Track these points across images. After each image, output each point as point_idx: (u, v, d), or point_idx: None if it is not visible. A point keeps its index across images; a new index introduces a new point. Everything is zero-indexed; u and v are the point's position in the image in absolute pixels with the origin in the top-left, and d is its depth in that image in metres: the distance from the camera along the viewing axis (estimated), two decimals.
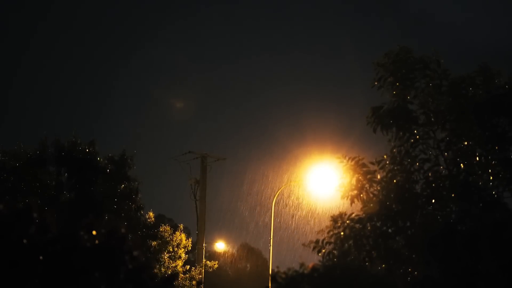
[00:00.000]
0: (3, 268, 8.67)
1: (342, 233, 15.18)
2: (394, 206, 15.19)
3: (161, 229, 33.86)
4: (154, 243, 33.02)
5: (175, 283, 31.71)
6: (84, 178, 29.17)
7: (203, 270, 35.99)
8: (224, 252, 64.01)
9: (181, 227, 35.40)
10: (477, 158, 15.67)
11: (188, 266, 35.12)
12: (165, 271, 32.90)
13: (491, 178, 15.48)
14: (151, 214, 33.02)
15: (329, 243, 15.25)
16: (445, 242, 14.26)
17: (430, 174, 15.54)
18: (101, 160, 30.03)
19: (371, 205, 15.35)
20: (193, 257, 43.46)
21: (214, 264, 36.54)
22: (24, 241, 8.77)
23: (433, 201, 15.30)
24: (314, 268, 10.90)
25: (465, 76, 16.00)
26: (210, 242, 50.26)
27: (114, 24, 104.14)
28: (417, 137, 15.85)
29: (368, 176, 15.60)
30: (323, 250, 15.26)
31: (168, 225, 35.12)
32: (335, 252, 15.16)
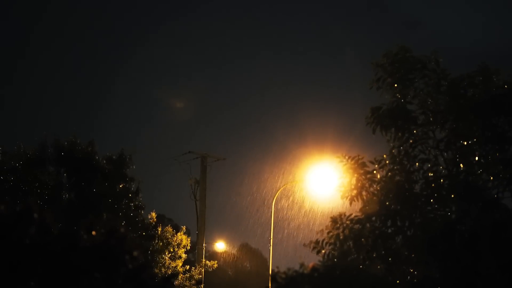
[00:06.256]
0: (3, 268, 8.68)
1: (341, 234, 15.18)
2: (393, 206, 15.20)
3: (159, 229, 33.85)
4: (159, 243, 33.04)
5: (175, 283, 31.75)
6: (83, 178, 29.21)
7: (203, 270, 36.03)
8: (224, 252, 64.04)
9: (184, 229, 35.52)
10: (477, 158, 15.67)
11: (188, 266, 35.15)
12: (165, 271, 32.91)
13: (491, 178, 15.47)
14: (153, 214, 33.04)
15: (329, 243, 15.26)
16: (445, 242, 14.26)
17: (429, 174, 15.54)
18: (100, 160, 30.07)
19: (371, 205, 15.35)
20: (193, 257, 43.49)
21: (214, 264, 36.59)
22: (26, 241, 8.78)
23: (433, 201, 15.29)
24: (314, 268, 10.89)
25: (464, 76, 16.00)
26: (210, 242, 50.33)
27: (114, 22, 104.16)
28: (416, 137, 15.85)
29: (368, 176, 15.59)
30: (323, 251, 15.26)
31: (169, 226, 35.15)
32: (334, 252, 15.16)
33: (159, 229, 33.90)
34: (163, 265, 33.48)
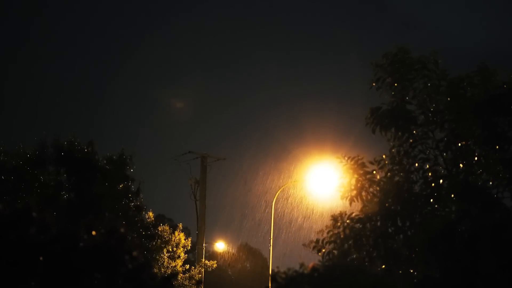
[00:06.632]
0: (3, 268, 8.68)
1: (342, 233, 15.20)
2: (393, 206, 15.21)
3: (159, 229, 33.84)
4: (158, 242, 33.03)
5: (175, 282, 31.75)
6: (83, 178, 29.22)
7: (202, 270, 36.03)
8: (224, 252, 64.04)
9: (180, 226, 35.31)
10: (476, 158, 15.69)
11: (188, 266, 35.13)
12: (164, 271, 32.90)
13: (490, 178, 15.49)
14: (150, 214, 32.99)
15: (329, 242, 15.27)
16: (445, 242, 14.26)
17: (429, 174, 15.55)
18: (100, 160, 30.08)
19: (371, 205, 15.36)
20: (193, 257, 43.51)
21: (213, 264, 36.58)
22: (26, 241, 8.78)
23: (433, 201, 15.30)
24: (314, 268, 10.88)
25: (464, 76, 16.03)
26: (210, 242, 50.29)
27: (114, 22, 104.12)
28: (416, 137, 15.86)
29: (368, 176, 15.60)
30: (323, 250, 15.27)
31: (167, 225, 35.03)
32: (335, 252, 15.17)
33: (160, 228, 33.88)
34: (162, 264, 33.44)
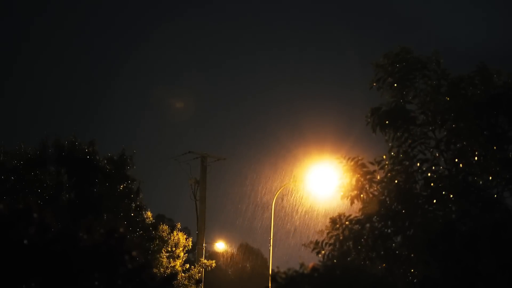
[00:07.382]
0: (3, 267, 8.68)
1: (341, 235, 15.19)
2: (394, 206, 15.19)
3: (159, 227, 33.78)
4: (157, 241, 32.98)
5: (174, 282, 31.72)
6: (84, 178, 29.20)
7: (202, 270, 36.01)
8: (224, 252, 64.05)
9: (178, 226, 35.20)
10: (476, 158, 15.68)
11: (188, 265, 35.09)
12: (164, 271, 32.85)
13: (490, 178, 15.48)
14: (149, 214, 32.91)
15: (329, 244, 15.26)
16: (445, 242, 14.26)
17: (429, 174, 15.54)
18: (100, 160, 30.07)
19: (371, 205, 15.35)
20: (194, 257, 43.49)
21: (212, 263, 36.55)
22: (24, 241, 8.78)
23: (433, 201, 15.29)
24: (314, 268, 10.88)
25: (464, 76, 16.02)
26: (210, 242, 50.32)
27: (114, 21, 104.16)
28: (415, 137, 15.84)
29: (368, 177, 15.59)
30: (323, 252, 15.26)
31: (165, 225, 34.93)
32: (334, 253, 15.16)
33: (160, 227, 33.83)
34: (161, 264, 33.36)
